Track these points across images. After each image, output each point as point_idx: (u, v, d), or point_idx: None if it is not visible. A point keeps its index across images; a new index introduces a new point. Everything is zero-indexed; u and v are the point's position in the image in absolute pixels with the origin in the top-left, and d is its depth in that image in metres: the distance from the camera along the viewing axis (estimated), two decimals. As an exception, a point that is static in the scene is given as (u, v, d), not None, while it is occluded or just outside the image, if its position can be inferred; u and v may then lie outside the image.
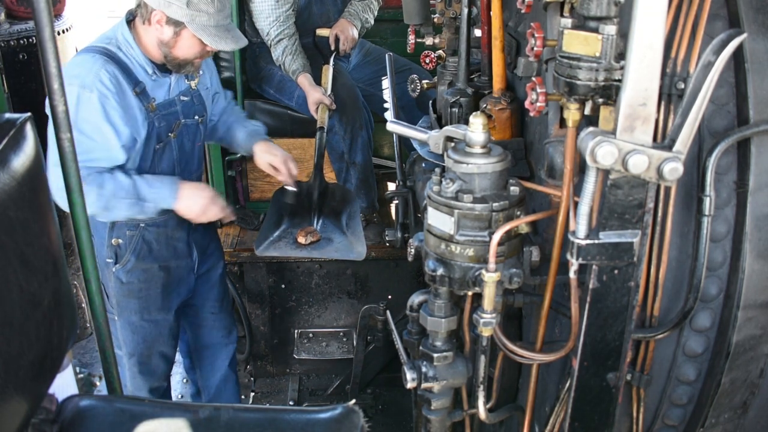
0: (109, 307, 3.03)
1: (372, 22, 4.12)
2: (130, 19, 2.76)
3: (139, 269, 2.95)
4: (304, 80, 3.75)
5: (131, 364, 3.12)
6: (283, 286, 4.07)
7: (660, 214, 1.66)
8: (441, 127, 2.19)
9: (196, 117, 2.96)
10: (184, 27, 2.63)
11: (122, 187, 2.67)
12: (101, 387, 4.03)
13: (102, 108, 2.58)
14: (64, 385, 2.18)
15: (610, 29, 1.44)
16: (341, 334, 4.17)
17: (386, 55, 3.26)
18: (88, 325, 4.42)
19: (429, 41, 2.76)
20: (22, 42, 3.92)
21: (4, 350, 1.57)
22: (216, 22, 2.65)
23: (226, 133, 3.23)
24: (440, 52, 2.78)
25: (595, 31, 1.46)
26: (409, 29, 2.86)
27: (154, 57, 2.75)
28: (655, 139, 1.44)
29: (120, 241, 2.88)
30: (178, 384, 4.11)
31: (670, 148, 1.42)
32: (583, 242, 1.49)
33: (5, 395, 1.59)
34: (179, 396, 4.00)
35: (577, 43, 1.49)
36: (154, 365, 3.16)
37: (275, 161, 3.08)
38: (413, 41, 2.84)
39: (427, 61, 2.83)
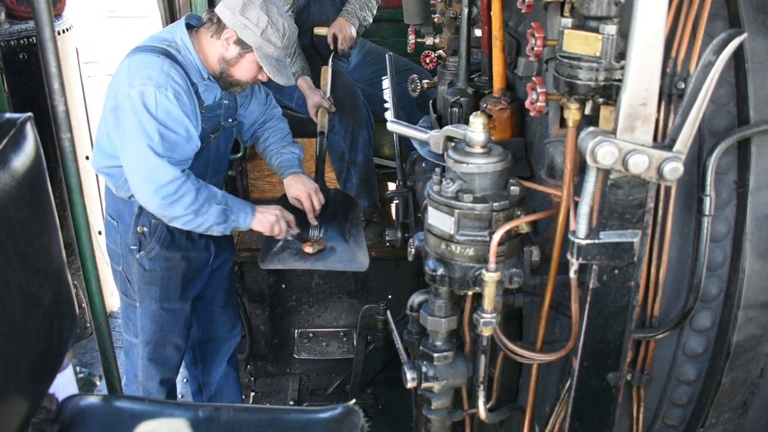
0: (132, 294, 3.12)
1: (370, 21, 4.11)
2: (192, 25, 2.84)
3: (162, 257, 3.02)
4: (303, 83, 3.76)
5: (146, 352, 3.18)
6: (283, 285, 4.08)
7: (660, 213, 1.66)
8: (441, 127, 2.19)
9: (231, 120, 3.06)
10: (250, 51, 2.76)
11: (215, 195, 2.78)
12: (101, 387, 4.03)
13: (178, 103, 2.67)
14: (64, 384, 2.18)
15: (611, 29, 1.44)
16: (341, 333, 4.18)
17: (386, 55, 3.25)
18: (88, 325, 4.42)
19: (429, 41, 2.76)
20: (22, 42, 3.92)
21: (5, 350, 1.57)
22: (278, 55, 2.79)
23: (264, 152, 3.33)
24: (440, 51, 2.78)
25: (596, 30, 1.46)
26: (410, 29, 2.86)
27: (211, 68, 2.85)
28: (655, 139, 1.44)
29: (145, 229, 2.94)
30: (179, 384, 4.11)
31: (670, 147, 1.41)
32: (584, 242, 1.49)
33: (5, 395, 1.60)
34: (180, 396, 4.00)
35: (578, 42, 1.49)
36: (168, 355, 3.23)
37: (299, 195, 3.16)
38: (413, 41, 2.85)
39: (428, 60, 2.83)
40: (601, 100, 1.50)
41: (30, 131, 1.76)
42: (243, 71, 2.83)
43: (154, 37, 2.83)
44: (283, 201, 3.23)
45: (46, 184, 1.81)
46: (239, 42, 2.74)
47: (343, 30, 3.89)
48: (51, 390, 1.91)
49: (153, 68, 2.65)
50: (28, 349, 1.67)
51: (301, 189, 3.15)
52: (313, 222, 3.21)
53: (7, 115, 1.82)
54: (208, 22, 2.79)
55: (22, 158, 1.69)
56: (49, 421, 1.90)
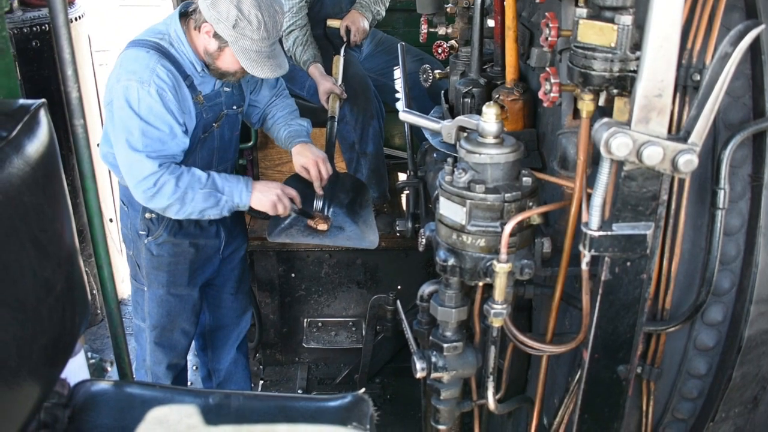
0: (141, 279, 3.14)
1: (383, 13, 4.10)
2: (183, 13, 2.80)
3: (170, 243, 3.03)
4: (315, 70, 3.75)
5: (153, 336, 3.20)
6: (293, 275, 4.08)
7: (673, 206, 1.65)
8: (453, 117, 2.18)
9: (235, 107, 3.03)
10: (227, 45, 2.71)
11: (198, 180, 2.75)
12: (112, 372, 4.06)
13: (161, 99, 2.65)
14: (76, 369, 2.19)
15: (626, 19, 1.43)
16: (350, 323, 4.18)
17: (398, 45, 3.24)
18: (99, 311, 4.45)
19: (442, 31, 2.75)
20: (35, 29, 3.93)
21: (18, 334, 1.59)
22: (258, 48, 2.70)
23: (272, 128, 3.28)
24: (453, 42, 2.76)
25: (611, 21, 1.45)
26: (422, 19, 2.84)
27: (201, 58, 2.82)
28: (669, 130, 1.43)
29: (153, 215, 2.95)
30: (189, 371, 4.13)
31: (685, 140, 1.41)
32: (596, 234, 1.49)
33: (19, 378, 1.61)
34: (189, 383, 4.02)
35: (592, 33, 1.48)
36: (175, 340, 3.24)
37: (307, 162, 3.09)
38: (426, 31, 2.83)
39: (440, 51, 2.82)
40: (615, 91, 1.49)
41: (44, 117, 1.77)
42: (227, 63, 2.78)
43: (150, 30, 2.81)
44: (290, 180, 3.21)
45: (59, 170, 1.81)
46: (216, 36, 2.70)
47: (356, 22, 3.88)
48: (63, 375, 1.92)
49: (140, 64, 2.65)
50: (41, 333, 1.68)
51: (309, 156, 3.09)
52: (319, 191, 3.15)
53: (21, 101, 1.83)
54: (194, 13, 2.75)
55: (36, 144, 1.70)
56: (61, 405, 1.92)
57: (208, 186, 2.76)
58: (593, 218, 1.49)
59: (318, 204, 3.17)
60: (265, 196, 2.87)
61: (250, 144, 3.99)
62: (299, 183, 3.14)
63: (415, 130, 3.10)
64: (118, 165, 2.80)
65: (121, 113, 2.65)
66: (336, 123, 3.58)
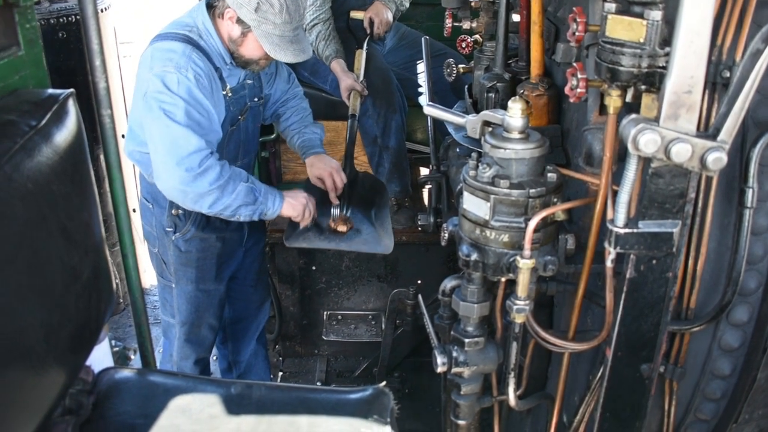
0: (168, 276, 3.15)
1: (407, 5, 4.09)
2: (208, 5, 2.80)
3: (198, 239, 3.03)
4: (337, 66, 3.74)
5: (182, 332, 3.22)
6: (313, 267, 4.10)
7: (700, 204, 1.63)
8: (477, 112, 2.17)
9: (257, 99, 3.04)
10: (250, 30, 2.69)
11: (239, 174, 2.73)
12: (135, 360, 4.10)
13: (198, 85, 2.64)
14: (100, 357, 2.22)
15: (656, 15, 1.41)
16: (370, 317, 4.19)
17: (423, 39, 3.23)
18: (121, 300, 4.50)
19: (466, 25, 2.73)
20: (61, 20, 3.96)
21: (45, 320, 1.61)
22: (281, 32, 2.69)
23: (284, 131, 3.30)
24: (477, 36, 2.75)
25: (640, 16, 1.44)
26: (446, 13, 2.83)
27: (226, 48, 2.81)
28: (698, 128, 1.41)
29: (180, 211, 2.95)
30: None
31: (714, 137, 1.39)
32: (622, 231, 1.48)
33: (46, 364, 1.63)
34: (210, 374, 4.06)
35: (621, 28, 1.47)
36: (203, 335, 3.26)
37: (321, 174, 3.13)
38: (450, 25, 2.81)
39: (463, 45, 2.80)
40: (643, 87, 1.48)
41: (72, 107, 1.79)
42: (251, 50, 2.76)
43: (176, 23, 2.80)
44: (306, 185, 3.23)
45: (87, 159, 1.84)
46: (239, 21, 2.69)
47: (380, 14, 3.87)
48: (88, 362, 1.95)
49: (174, 52, 2.64)
50: (67, 321, 1.70)
51: (323, 168, 3.13)
52: (335, 201, 3.18)
53: (50, 90, 1.85)
54: (217, 1, 2.75)
55: (65, 133, 1.72)
56: (85, 392, 1.95)
57: (249, 182, 2.74)
58: (619, 215, 1.48)
59: (335, 212, 3.20)
60: (297, 202, 2.90)
61: (272, 136, 4.00)
62: (314, 191, 3.16)
63: (438, 125, 3.09)
64: (145, 162, 2.79)
65: (161, 96, 2.58)
66: (356, 121, 3.58)
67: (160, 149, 2.62)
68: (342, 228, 3.17)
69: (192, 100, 2.61)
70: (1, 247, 1.47)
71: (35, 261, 1.57)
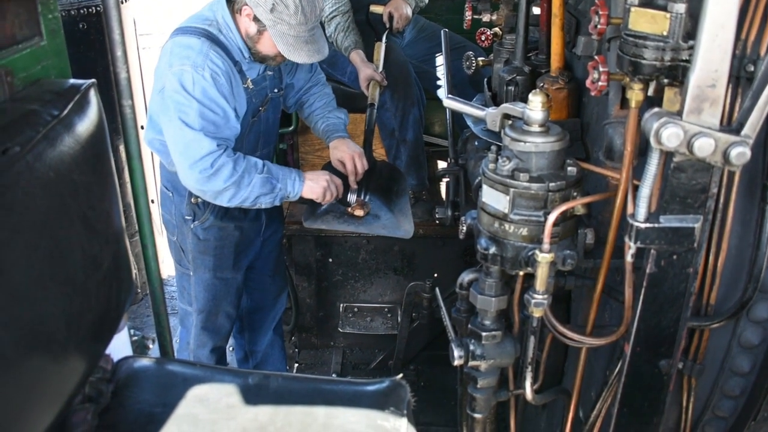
0: (186, 263, 3.19)
1: (426, 0, 4.08)
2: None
3: (216, 227, 3.06)
4: (356, 57, 3.75)
5: (199, 320, 3.25)
6: (330, 259, 4.11)
7: (722, 200, 1.61)
8: (496, 105, 2.16)
9: (276, 90, 3.06)
10: (266, 29, 2.71)
11: (254, 165, 2.77)
12: (154, 350, 4.14)
13: (215, 84, 2.67)
14: (119, 346, 2.24)
15: (680, 7, 1.40)
16: (386, 309, 4.19)
17: (442, 32, 3.22)
18: (139, 290, 4.54)
19: (486, 18, 2.72)
20: (82, 12, 4.00)
21: (67, 309, 1.63)
22: (296, 33, 2.70)
23: (309, 117, 3.31)
24: (496, 29, 2.74)
25: (664, 9, 1.42)
26: (466, 5, 2.82)
27: (245, 43, 2.83)
28: (721, 122, 1.39)
29: (199, 200, 2.97)
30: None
31: (738, 132, 1.37)
32: (643, 225, 1.46)
33: (66, 352, 1.65)
34: (226, 364, 4.08)
35: (644, 21, 1.45)
36: (220, 324, 3.29)
37: (344, 157, 3.14)
38: (470, 17, 2.80)
39: (483, 38, 2.79)
40: (666, 80, 1.46)
41: (93, 97, 1.80)
42: (267, 47, 2.78)
43: (196, 17, 2.82)
44: (328, 167, 3.24)
45: (108, 149, 1.85)
46: (256, 19, 2.71)
47: (399, 9, 3.86)
48: (107, 351, 1.97)
49: (192, 50, 2.66)
50: (88, 309, 1.72)
51: (345, 151, 3.13)
52: (353, 185, 3.19)
53: (72, 81, 1.86)
54: None
55: (86, 123, 1.73)
56: (105, 380, 1.97)
57: (264, 172, 2.77)
58: (640, 210, 1.47)
59: (352, 197, 3.21)
60: (317, 184, 2.92)
61: (290, 129, 4.01)
62: (334, 173, 3.16)
63: (456, 118, 3.08)
64: (165, 151, 2.82)
65: (176, 96, 2.64)
66: (375, 110, 3.58)
67: (174, 150, 2.72)
68: (359, 212, 3.18)
69: (206, 100, 2.65)
70: (24, 235, 1.48)
71: (57, 250, 1.58)
